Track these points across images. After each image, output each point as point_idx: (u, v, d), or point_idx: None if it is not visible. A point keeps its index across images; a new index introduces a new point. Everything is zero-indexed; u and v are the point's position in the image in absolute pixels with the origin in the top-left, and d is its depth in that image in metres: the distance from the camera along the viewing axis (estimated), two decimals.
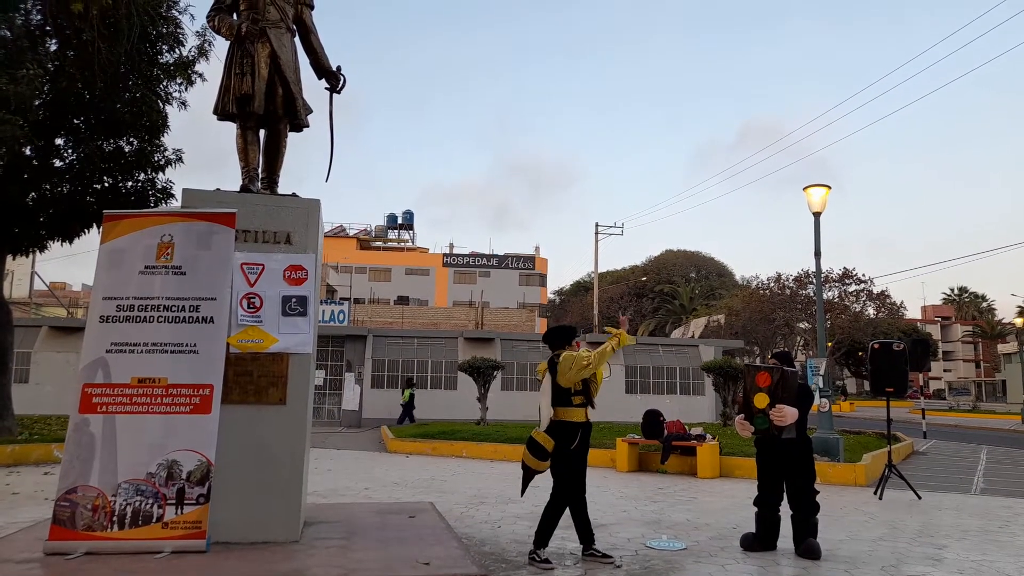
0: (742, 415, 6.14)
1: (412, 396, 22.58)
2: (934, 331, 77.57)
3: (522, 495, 5.87)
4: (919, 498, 9.12)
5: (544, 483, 6.02)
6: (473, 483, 10.10)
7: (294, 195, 5.87)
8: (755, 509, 6.16)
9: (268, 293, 5.34)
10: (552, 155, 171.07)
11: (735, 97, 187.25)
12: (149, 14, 12.04)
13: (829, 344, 41.53)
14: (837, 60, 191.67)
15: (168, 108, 13.05)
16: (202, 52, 13.11)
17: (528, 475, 5.67)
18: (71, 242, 13.00)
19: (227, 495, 4.89)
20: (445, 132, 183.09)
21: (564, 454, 5.51)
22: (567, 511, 5.60)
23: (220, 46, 18.07)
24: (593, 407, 5.69)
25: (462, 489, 9.46)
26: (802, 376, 6.75)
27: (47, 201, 12.38)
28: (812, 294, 41.33)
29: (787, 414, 5.81)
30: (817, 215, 12.60)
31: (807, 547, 5.83)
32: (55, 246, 13.27)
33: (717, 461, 11.24)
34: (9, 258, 13.54)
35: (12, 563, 4.33)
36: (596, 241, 41.02)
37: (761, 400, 5.94)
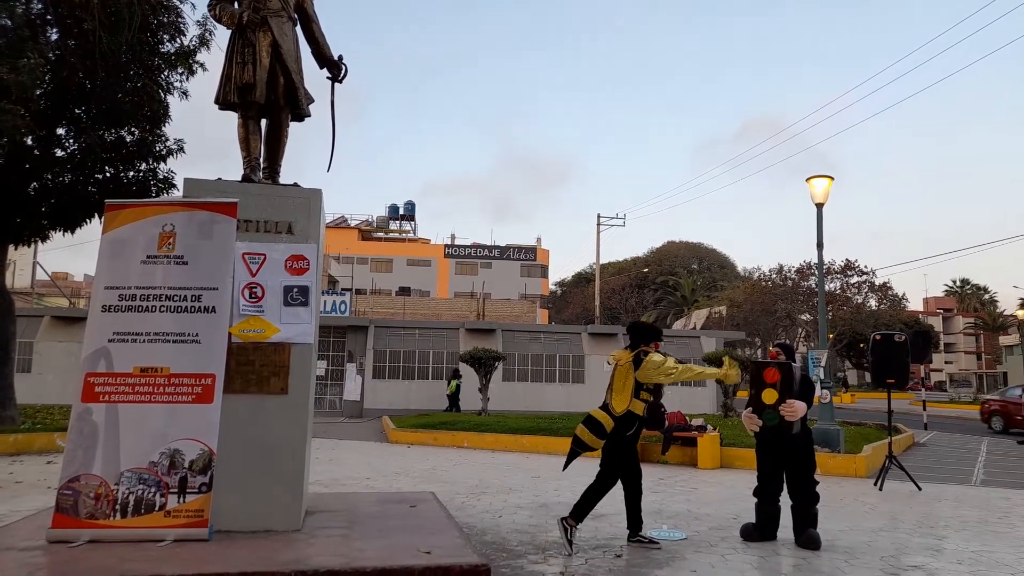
0: (750, 409, 6.15)
1: (459, 387, 22.59)
2: (936, 323, 77.51)
3: (564, 468, 6.06)
4: (919, 489, 9.14)
5: (547, 474, 6.06)
6: (474, 473, 10.13)
7: (296, 185, 5.86)
8: (755, 500, 6.18)
9: (270, 283, 5.34)
10: (553, 147, 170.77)
11: (737, 90, 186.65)
12: (150, 3, 12.01)
13: (831, 336, 41.50)
14: (839, 52, 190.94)
15: (169, 98, 13.04)
16: (203, 41, 13.07)
17: (576, 450, 5.88)
18: (73, 232, 13.00)
19: (229, 484, 4.91)
20: (446, 124, 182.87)
21: (620, 440, 5.74)
22: (613, 497, 5.87)
23: (221, 35, 18.02)
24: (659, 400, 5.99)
25: (463, 479, 9.49)
26: (803, 368, 6.76)
27: (49, 191, 12.37)
28: (814, 286, 41.27)
29: (797, 408, 5.89)
30: (820, 206, 12.57)
31: (807, 537, 5.86)
32: (57, 236, 13.29)
33: (718, 452, 11.26)
34: (11, 248, 13.55)
35: (15, 551, 4.35)
36: (598, 232, 40.97)
37: (769, 396, 5.97)
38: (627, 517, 5.85)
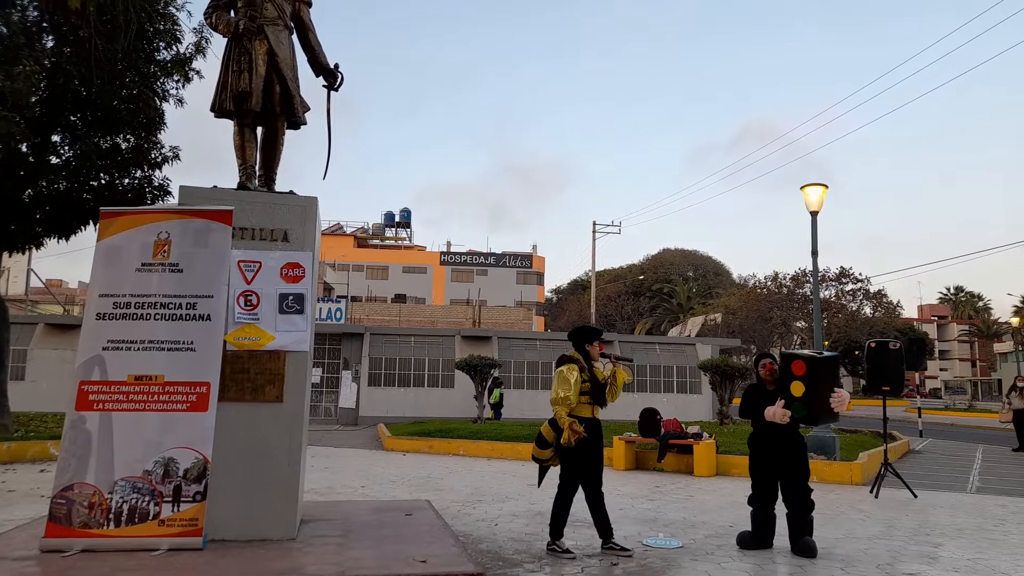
0: (783, 401, 6.00)
1: (501, 396, 22.51)
2: (930, 330, 77.72)
3: (538, 486, 6.13)
4: (915, 496, 9.14)
5: (546, 482, 6.06)
6: (470, 481, 10.11)
7: (291, 193, 5.86)
8: (750, 508, 6.17)
9: (265, 291, 5.33)
10: (549, 154, 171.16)
11: (731, 97, 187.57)
12: (146, 11, 12.02)
13: (826, 343, 41.57)
14: (834, 61, 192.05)
15: (165, 105, 13.05)
16: (199, 49, 13.10)
17: (541, 466, 6.01)
18: (68, 239, 12.98)
19: (224, 493, 4.89)
20: (441, 132, 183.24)
21: (565, 446, 5.69)
22: (611, 505, 5.87)
23: (217, 43, 18.10)
24: (602, 406, 5.86)
25: (459, 487, 9.47)
26: None
27: (43, 198, 12.35)
28: (809, 293, 41.38)
29: (845, 398, 5.98)
30: (814, 214, 12.62)
31: (803, 545, 5.85)
32: (51, 243, 13.26)
33: (714, 459, 11.25)
34: (5, 255, 13.52)
35: (8, 560, 4.32)
36: (594, 239, 41.02)
37: (797, 388, 5.94)
38: (594, 525, 5.80)
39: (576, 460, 5.71)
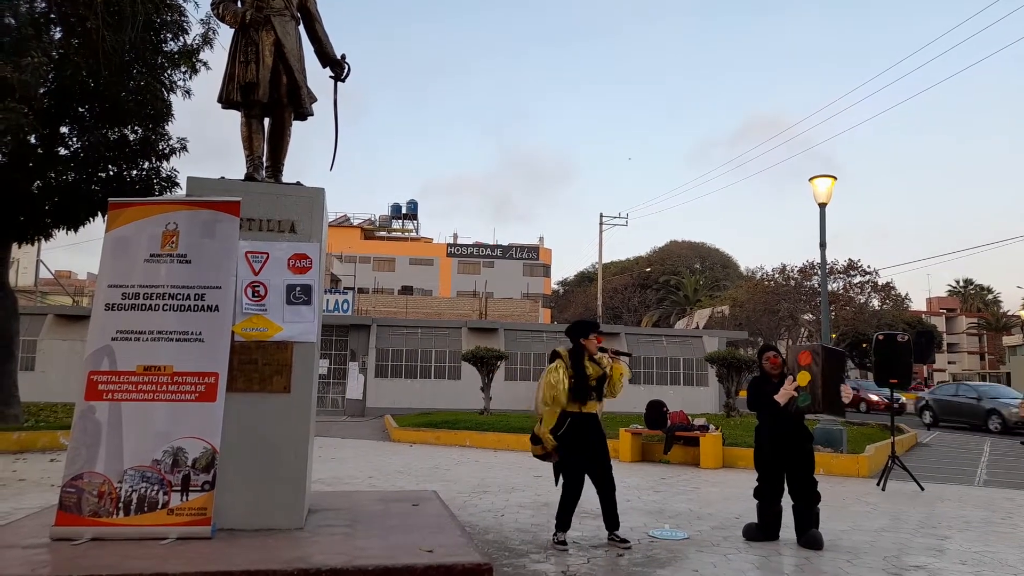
0: (795, 383, 6.04)
1: None
2: (939, 323, 77.28)
3: (555, 484, 5.98)
4: (922, 489, 9.13)
5: (549, 473, 6.11)
6: (476, 472, 10.14)
7: (299, 184, 5.87)
8: (756, 501, 6.18)
9: (273, 281, 5.34)
10: (555, 147, 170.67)
11: (738, 90, 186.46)
12: (153, 2, 12.04)
13: (834, 336, 41.45)
14: (842, 51, 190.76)
15: (172, 96, 13.09)
16: (206, 40, 13.11)
17: (553, 464, 5.96)
18: (76, 230, 13.04)
19: (232, 482, 4.91)
20: (447, 125, 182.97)
21: (558, 440, 5.74)
22: (621, 497, 5.97)
23: (224, 34, 18.08)
24: (598, 400, 5.86)
25: (465, 478, 9.50)
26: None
27: (52, 189, 12.41)
28: (817, 285, 41.23)
29: (848, 391, 6.07)
30: (823, 206, 12.56)
31: (809, 537, 5.86)
32: (60, 234, 13.33)
33: (720, 452, 11.25)
34: (15, 246, 13.58)
35: (19, 548, 4.36)
36: (600, 231, 40.96)
37: (803, 378, 5.98)
38: (602, 515, 5.86)
39: (567, 456, 5.76)
